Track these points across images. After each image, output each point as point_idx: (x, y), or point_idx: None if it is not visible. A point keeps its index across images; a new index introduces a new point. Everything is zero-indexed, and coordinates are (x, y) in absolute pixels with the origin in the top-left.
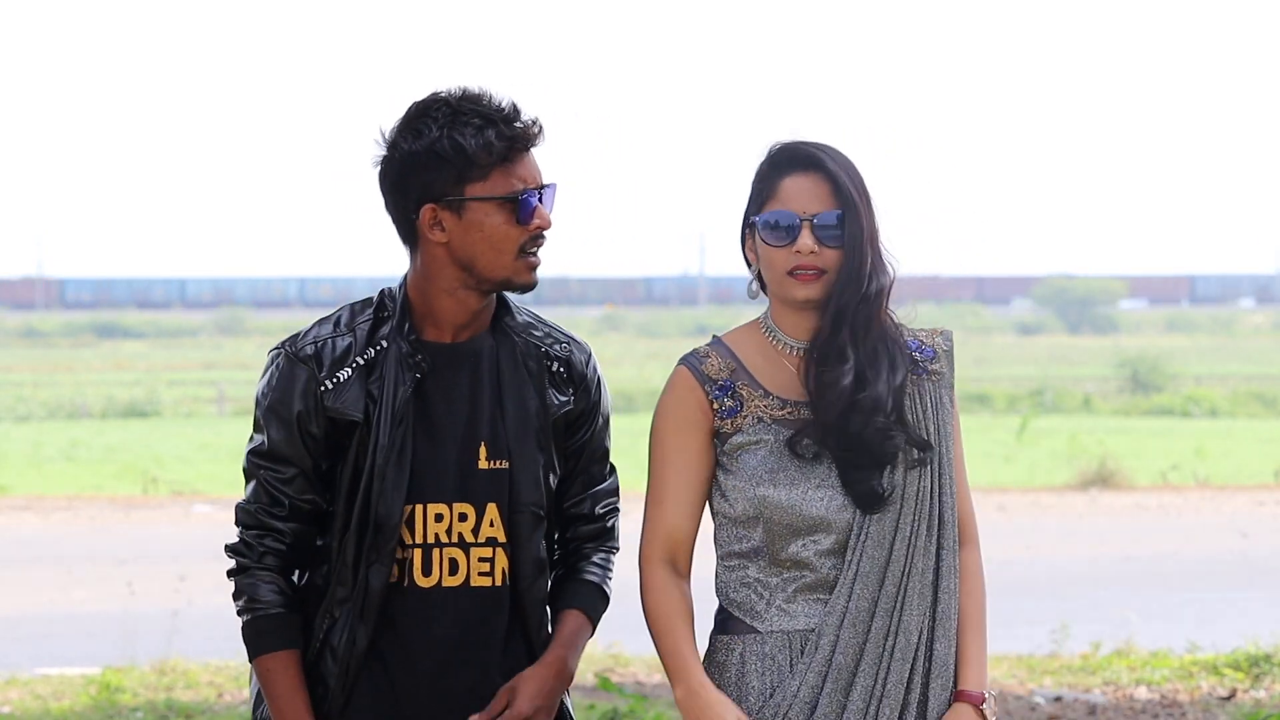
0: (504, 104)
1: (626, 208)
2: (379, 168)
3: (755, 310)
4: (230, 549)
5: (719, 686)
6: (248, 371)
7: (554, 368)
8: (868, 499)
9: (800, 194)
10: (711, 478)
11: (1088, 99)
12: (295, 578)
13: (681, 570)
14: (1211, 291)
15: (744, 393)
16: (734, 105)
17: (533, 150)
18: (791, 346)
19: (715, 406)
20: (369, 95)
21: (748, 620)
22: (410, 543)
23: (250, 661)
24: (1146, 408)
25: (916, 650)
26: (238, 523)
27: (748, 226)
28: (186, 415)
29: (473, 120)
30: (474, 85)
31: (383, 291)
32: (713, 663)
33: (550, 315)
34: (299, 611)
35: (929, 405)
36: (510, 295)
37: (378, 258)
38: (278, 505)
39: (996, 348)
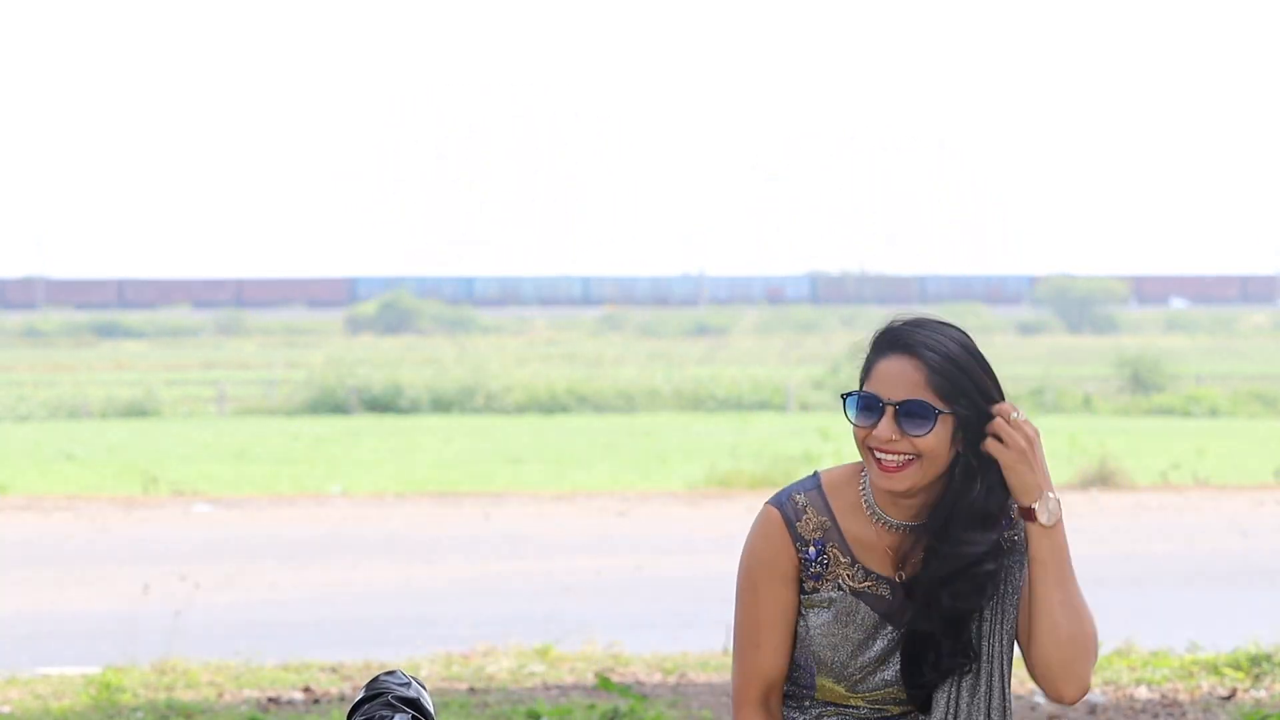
0: None
1: (626, 208)
2: None
3: (755, 310)
4: None
5: None
6: (248, 371)
7: None
8: (927, 681)
9: (889, 378)
10: (796, 620)
11: (1087, 99)
12: None
13: (774, 707)
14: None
15: (832, 555)
16: (734, 105)
17: None
18: (889, 523)
19: (803, 564)
20: (368, 95)
21: None
22: None
23: None
24: (1146, 408)
25: None
26: None
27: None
28: (186, 415)
29: None
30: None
31: None
32: None
33: (550, 315)
34: None
35: (1009, 589)
36: None
37: (377, 258)
38: None
39: (997, 348)
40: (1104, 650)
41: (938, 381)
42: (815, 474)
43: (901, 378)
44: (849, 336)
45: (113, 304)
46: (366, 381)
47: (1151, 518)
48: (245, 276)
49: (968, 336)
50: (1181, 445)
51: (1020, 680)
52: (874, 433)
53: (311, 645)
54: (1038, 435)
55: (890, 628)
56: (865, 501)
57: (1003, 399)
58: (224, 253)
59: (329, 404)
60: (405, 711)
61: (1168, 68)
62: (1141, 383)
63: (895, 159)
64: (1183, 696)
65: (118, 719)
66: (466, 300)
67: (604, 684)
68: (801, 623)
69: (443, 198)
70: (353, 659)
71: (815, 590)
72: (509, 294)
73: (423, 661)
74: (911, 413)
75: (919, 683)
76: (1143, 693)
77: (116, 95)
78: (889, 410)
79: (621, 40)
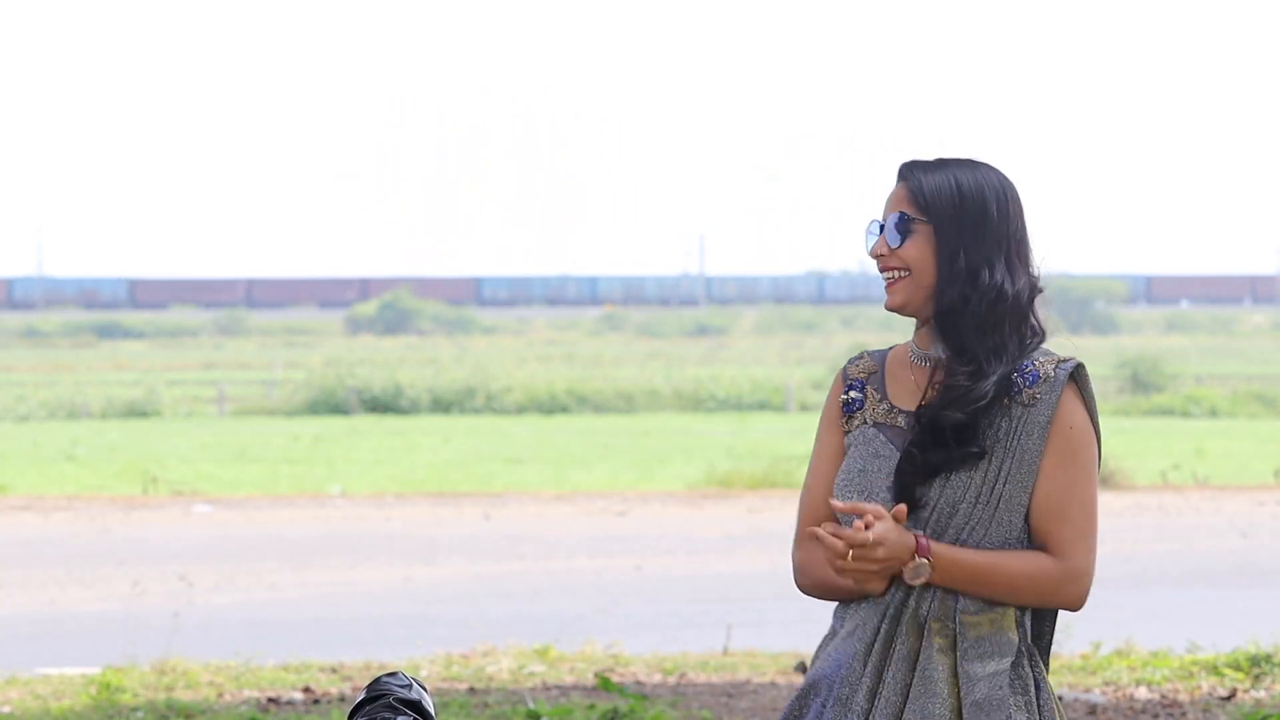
0: None
1: (626, 208)
2: None
3: (754, 312)
4: None
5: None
6: (248, 372)
7: None
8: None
9: (887, 203)
10: None
11: (1088, 99)
12: None
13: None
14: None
15: (869, 394)
16: (734, 105)
17: None
18: (919, 357)
19: (844, 403)
20: (370, 95)
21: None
22: None
23: None
24: (1146, 408)
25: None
26: None
27: None
28: (186, 415)
29: None
30: None
31: None
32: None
33: (550, 315)
34: None
35: (1002, 432)
36: None
37: (374, 259)
38: None
39: None
40: (1104, 650)
41: (917, 197)
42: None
43: (894, 200)
44: (849, 337)
45: (112, 304)
46: (366, 381)
47: (1151, 518)
48: (241, 276)
49: (988, 173)
50: (1181, 445)
51: None
52: (870, 252)
53: (311, 645)
54: (871, 541)
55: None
56: (910, 344)
57: (1001, 237)
58: (223, 252)
59: (329, 404)
60: (407, 714)
61: (1168, 68)
62: (1141, 383)
63: (895, 159)
64: (1183, 697)
65: (118, 719)
66: (472, 301)
67: (604, 684)
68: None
69: (442, 198)
70: (353, 659)
71: (850, 430)
72: (509, 294)
73: (423, 662)
74: (893, 226)
75: (904, 481)
76: (1143, 693)
77: (116, 95)
78: (879, 230)
79: (622, 40)
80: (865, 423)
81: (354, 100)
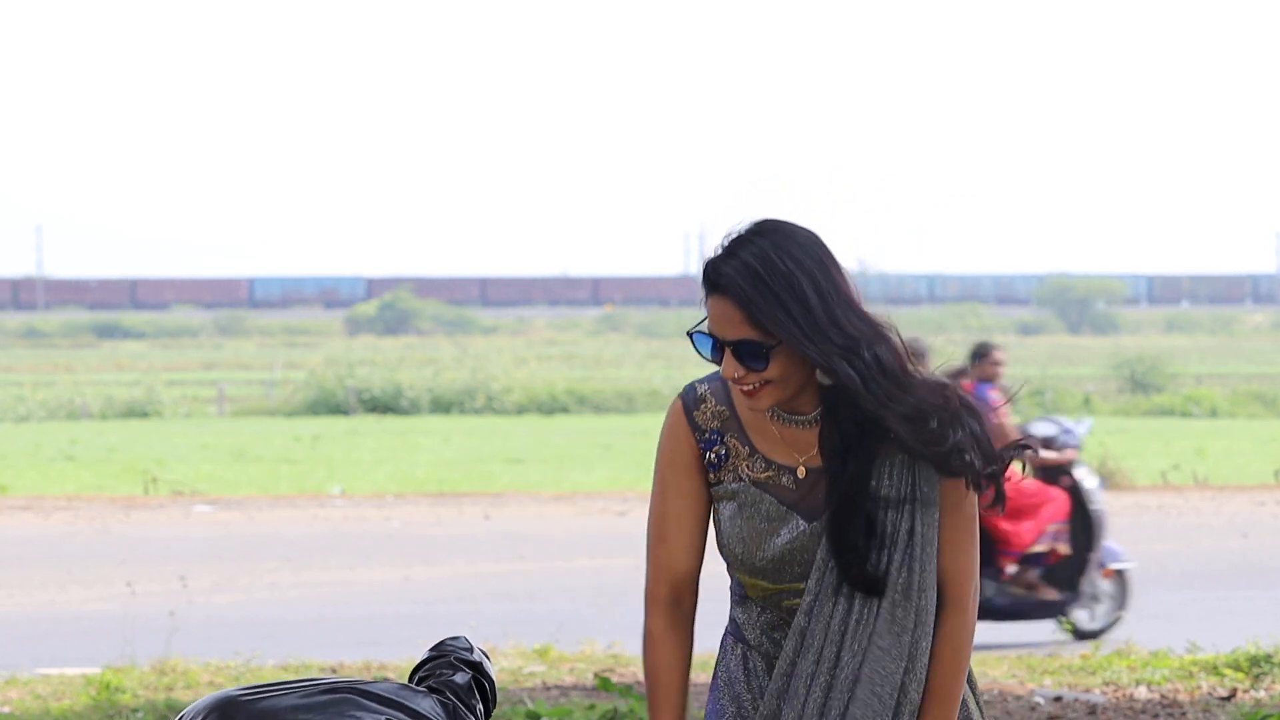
0: None
1: (625, 207)
2: None
3: None
4: None
5: (720, 673)
6: (248, 372)
7: None
8: (864, 583)
9: (718, 318)
10: (709, 510)
11: (1087, 98)
12: None
13: (686, 608)
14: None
15: (731, 446)
16: (734, 105)
17: None
18: (781, 416)
19: (703, 453)
20: (370, 95)
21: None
22: None
23: None
24: (1146, 408)
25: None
26: None
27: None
28: (186, 415)
29: None
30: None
31: None
32: (722, 648)
33: (550, 315)
34: None
35: (914, 475)
36: None
37: (376, 259)
38: None
39: None
40: (1104, 650)
41: (758, 318)
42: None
43: (726, 318)
44: None
45: (109, 304)
46: (366, 382)
47: (1151, 518)
48: (237, 276)
49: (791, 241)
50: (1181, 445)
51: (1020, 680)
52: (721, 370)
53: (311, 645)
54: None
55: (798, 518)
56: None
57: (835, 295)
58: (224, 253)
59: (329, 404)
60: (466, 671)
61: (1167, 67)
62: (1141, 383)
63: (896, 159)
64: (1183, 697)
65: (118, 719)
66: (473, 301)
67: (604, 684)
68: (714, 517)
69: (442, 198)
70: (353, 659)
71: (719, 482)
72: (509, 294)
73: None
74: (746, 352)
75: (846, 569)
76: (1143, 693)
77: (118, 94)
78: (727, 351)
79: (622, 39)
80: (741, 480)
81: (356, 100)
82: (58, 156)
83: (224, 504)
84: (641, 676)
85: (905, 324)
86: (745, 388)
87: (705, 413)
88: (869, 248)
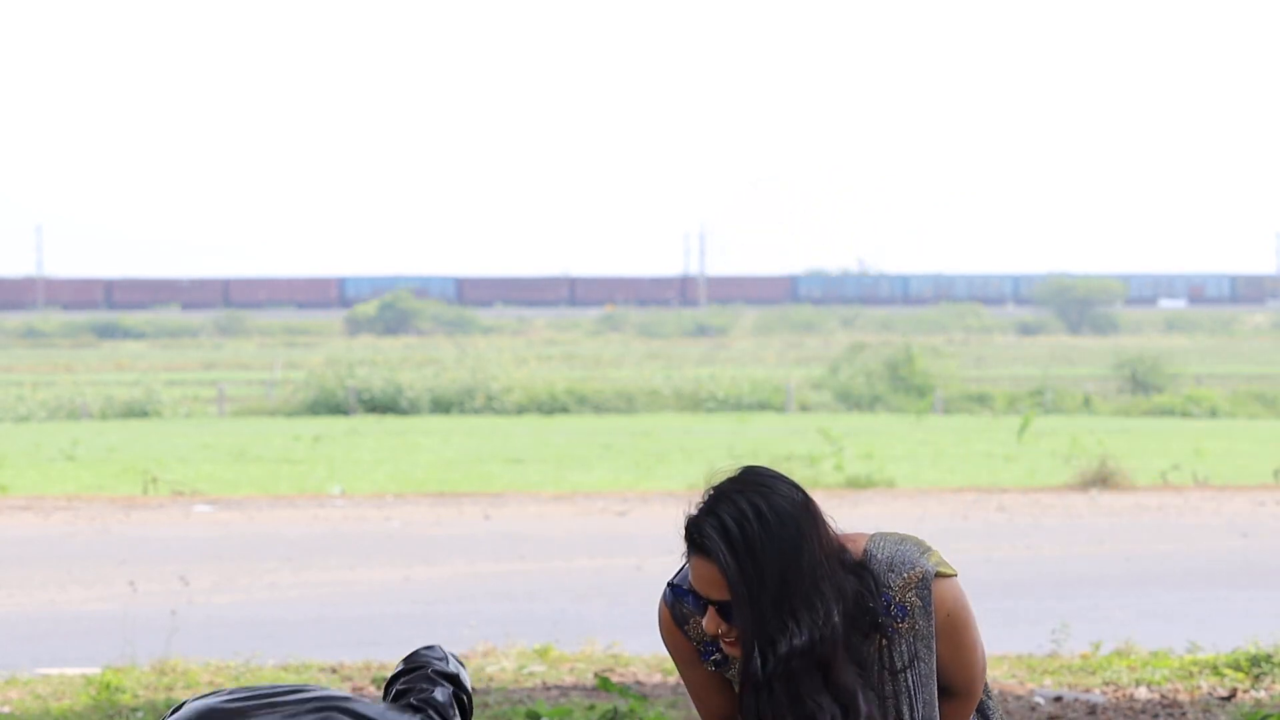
0: None
1: (626, 208)
2: None
3: (754, 312)
4: None
5: None
6: (248, 372)
7: None
8: None
9: (700, 579)
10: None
11: (1088, 98)
12: None
13: None
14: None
15: (730, 654)
16: (734, 104)
17: None
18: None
19: (704, 656)
20: (372, 95)
21: None
22: None
23: None
24: (1146, 408)
25: None
26: None
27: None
28: (186, 415)
29: None
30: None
31: None
32: None
33: (550, 315)
34: None
35: (898, 663)
36: None
37: (372, 259)
38: None
39: (996, 348)
40: (1104, 650)
41: (740, 582)
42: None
43: (710, 581)
44: (849, 336)
45: (104, 304)
46: (366, 382)
47: (1151, 518)
48: (233, 276)
49: (776, 496)
50: (1181, 445)
51: (1020, 680)
52: (704, 625)
53: (311, 645)
54: None
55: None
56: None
57: (816, 548)
58: (217, 252)
59: (329, 404)
60: (444, 685)
61: (1167, 67)
62: (1141, 383)
63: (896, 159)
64: (1183, 697)
65: (118, 719)
66: (473, 301)
67: (604, 684)
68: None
69: (440, 198)
70: (352, 659)
71: (729, 671)
72: (509, 294)
73: None
74: (729, 613)
75: None
76: (1143, 693)
77: (120, 94)
78: (711, 609)
79: (621, 39)
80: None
81: (356, 100)
82: (58, 156)
83: (224, 504)
84: (641, 676)
85: (906, 324)
86: (728, 640)
87: (695, 628)
88: (869, 248)
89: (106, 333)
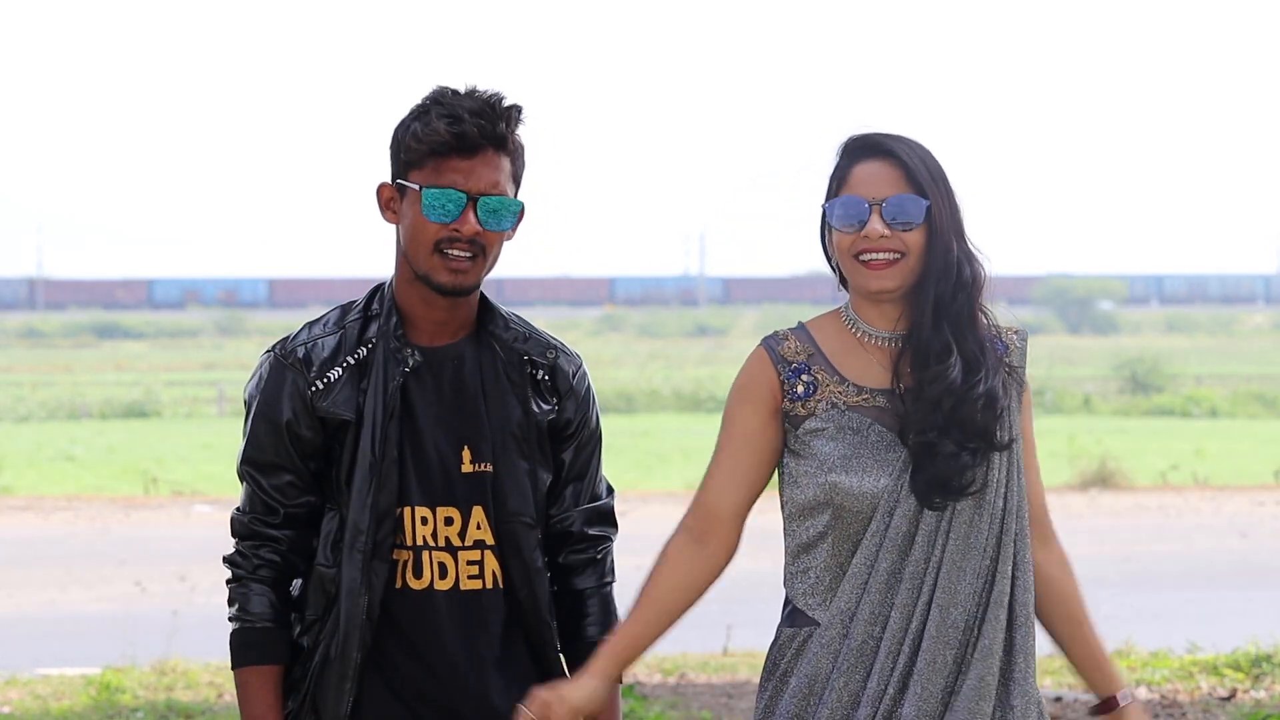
0: (479, 103)
1: (626, 208)
2: None
3: (754, 312)
4: (226, 560)
5: (772, 676)
6: (248, 372)
7: (538, 375)
8: (951, 489)
9: (870, 179)
10: (769, 460)
11: (1088, 99)
12: (293, 584)
13: (710, 545)
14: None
15: (820, 377)
16: (734, 104)
17: (501, 159)
18: (874, 336)
19: (786, 388)
20: (367, 93)
21: (809, 612)
22: (402, 544)
23: (232, 670)
24: (1146, 408)
25: (978, 637)
26: (233, 533)
27: (823, 217)
28: (186, 415)
29: (439, 109)
30: (485, 85)
31: (374, 289)
32: (775, 648)
33: (551, 315)
34: (288, 628)
35: (1003, 436)
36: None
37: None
38: (271, 513)
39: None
40: None
41: (918, 178)
42: (799, 321)
43: (883, 177)
44: None
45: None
46: None
47: (1151, 518)
48: (232, 276)
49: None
50: (1181, 445)
51: None
52: (863, 233)
53: None
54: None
55: (900, 445)
56: (848, 321)
57: (956, 216)
58: (222, 252)
59: None
60: None
61: (1168, 67)
62: (1141, 383)
63: None
64: (1183, 697)
65: (117, 719)
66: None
67: None
68: (804, 463)
69: None
70: None
71: (810, 414)
72: (510, 293)
73: None
74: (901, 206)
75: (946, 474)
76: (1143, 693)
77: (121, 95)
78: (875, 209)
79: (622, 38)
80: (833, 406)
81: (355, 100)
82: (58, 156)
83: (224, 504)
84: (641, 676)
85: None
86: (881, 257)
87: (790, 348)
88: None
89: (106, 333)
